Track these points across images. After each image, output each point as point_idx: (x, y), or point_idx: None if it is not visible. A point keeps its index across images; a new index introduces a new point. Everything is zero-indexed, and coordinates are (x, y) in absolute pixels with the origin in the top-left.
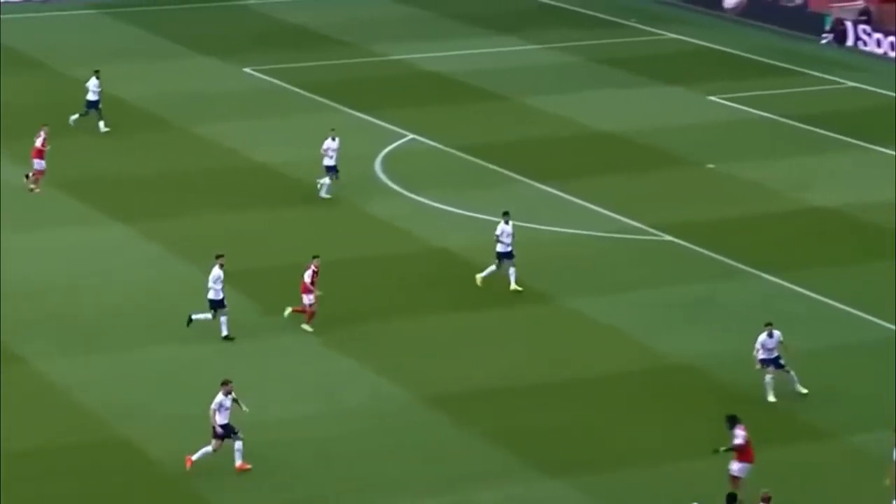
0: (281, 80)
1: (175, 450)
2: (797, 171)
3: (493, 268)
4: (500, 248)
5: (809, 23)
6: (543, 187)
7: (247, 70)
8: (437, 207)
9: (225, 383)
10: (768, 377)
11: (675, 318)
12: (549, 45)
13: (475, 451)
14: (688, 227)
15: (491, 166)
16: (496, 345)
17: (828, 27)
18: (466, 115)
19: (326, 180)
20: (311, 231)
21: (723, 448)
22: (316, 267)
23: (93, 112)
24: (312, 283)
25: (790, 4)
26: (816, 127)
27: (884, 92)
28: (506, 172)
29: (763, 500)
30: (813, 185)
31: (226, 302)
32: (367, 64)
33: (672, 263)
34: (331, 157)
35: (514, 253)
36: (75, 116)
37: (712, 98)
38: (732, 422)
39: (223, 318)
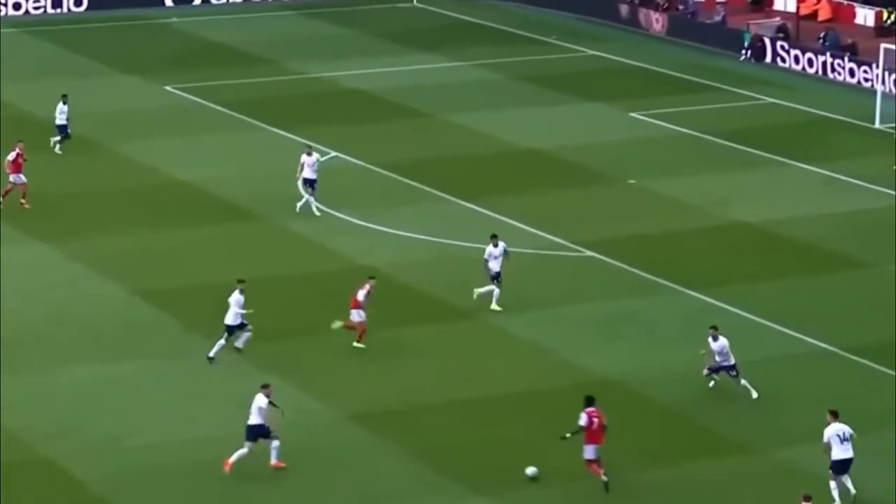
0: (202, 97)
1: (100, 470)
2: (717, 186)
3: (492, 288)
4: (494, 267)
5: (728, 39)
6: (467, 204)
7: (168, 88)
8: (361, 225)
9: (265, 386)
10: (711, 383)
11: (598, 334)
12: (471, 62)
13: (398, 469)
14: (610, 243)
15: (414, 183)
16: (419, 361)
17: (746, 43)
18: (389, 132)
19: (310, 198)
20: (234, 249)
21: (568, 433)
22: (371, 287)
23: (63, 135)
24: (362, 302)
25: (709, 21)
26: (736, 143)
27: (802, 108)
28: (429, 189)
29: (804, 499)
30: (733, 200)
31: (246, 322)
32: (288, 82)
33: (594, 279)
34: (312, 171)
35: (502, 274)
36: (56, 139)
37: (633, 114)
38: (588, 402)
39: (245, 336)
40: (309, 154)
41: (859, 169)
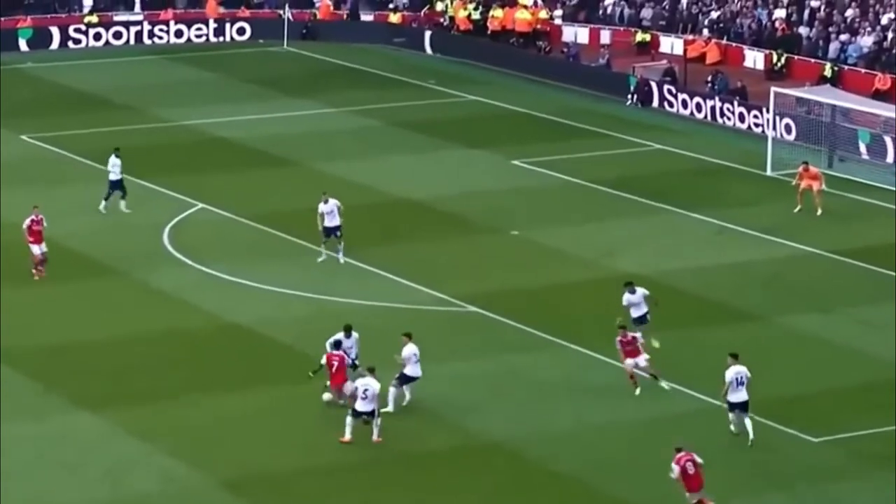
0: (61, 147)
1: None
2: (604, 237)
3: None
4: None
5: (613, 83)
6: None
7: (24, 137)
8: (228, 279)
9: (372, 370)
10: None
11: (481, 392)
12: (344, 108)
13: None
14: (492, 296)
15: (283, 235)
16: (292, 423)
17: (632, 88)
18: (258, 182)
19: (338, 251)
20: (96, 305)
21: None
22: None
23: (116, 192)
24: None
25: (593, 64)
26: (623, 191)
27: (691, 154)
28: (299, 242)
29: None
30: (620, 251)
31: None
32: (151, 130)
33: (476, 335)
34: (332, 218)
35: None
36: (119, 194)
37: (515, 162)
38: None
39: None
40: (326, 202)
41: (751, 218)
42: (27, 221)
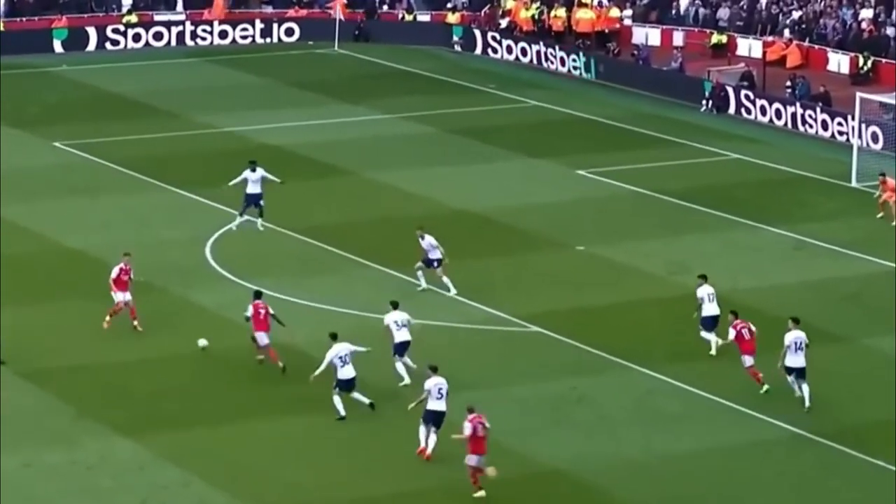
0: (95, 155)
1: None
2: (675, 252)
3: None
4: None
5: (687, 88)
6: (393, 272)
7: (57, 144)
8: (273, 296)
9: (434, 368)
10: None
11: (543, 417)
12: (399, 115)
13: None
14: (555, 316)
15: (334, 250)
16: (337, 449)
17: (707, 93)
18: (307, 192)
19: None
20: (130, 324)
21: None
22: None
23: (252, 208)
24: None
25: (665, 68)
26: (696, 203)
27: (769, 164)
28: (351, 257)
29: None
30: (693, 267)
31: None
32: (194, 137)
33: (537, 357)
34: (433, 252)
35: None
36: (238, 221)
37: (581, 172)
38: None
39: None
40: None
41: (834, 232)
42: (115, 270)
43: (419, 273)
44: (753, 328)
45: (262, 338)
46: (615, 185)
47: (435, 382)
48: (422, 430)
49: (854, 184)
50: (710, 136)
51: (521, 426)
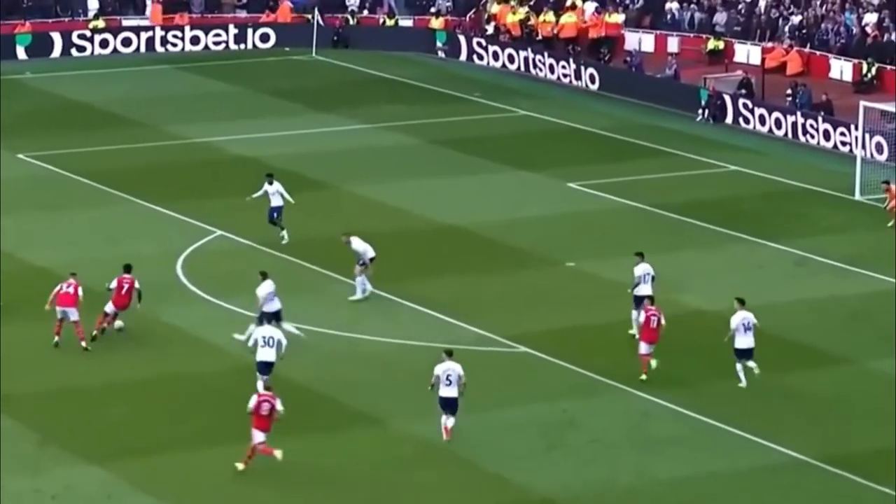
0: (63, 168)
1: None
2: (670, 269)
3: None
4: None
5: (682, 97)
6: (375, 291)
7: (21, 156)
8: (247, 315)
9: (450, 353)
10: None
11: (533, 442)
12: (379, 125)
13: None
14: (544, 335)
15: (312, 266)
16: (316, 475)
17: (703, 101)
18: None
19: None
20: (100, 344)
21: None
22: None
23: (277, 218)
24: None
25: (659, 75)
26: (692, 217)
27: (768, 176)
28: (327, 273)
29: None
30: (688, 285)
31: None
32: (164, 148)
33: (527, 378)
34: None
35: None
36: (284, 234)
37: (571, 185)
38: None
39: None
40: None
41: (837, 247)
42: (66, 287)
43: (362, 279)
44: (664, 322)
45: (110, 308)
46: (607, 198)
47: (444, 368)
48: (442, 417)
49: (858, 196)
50: (707, 146)
51: (510, 451)
